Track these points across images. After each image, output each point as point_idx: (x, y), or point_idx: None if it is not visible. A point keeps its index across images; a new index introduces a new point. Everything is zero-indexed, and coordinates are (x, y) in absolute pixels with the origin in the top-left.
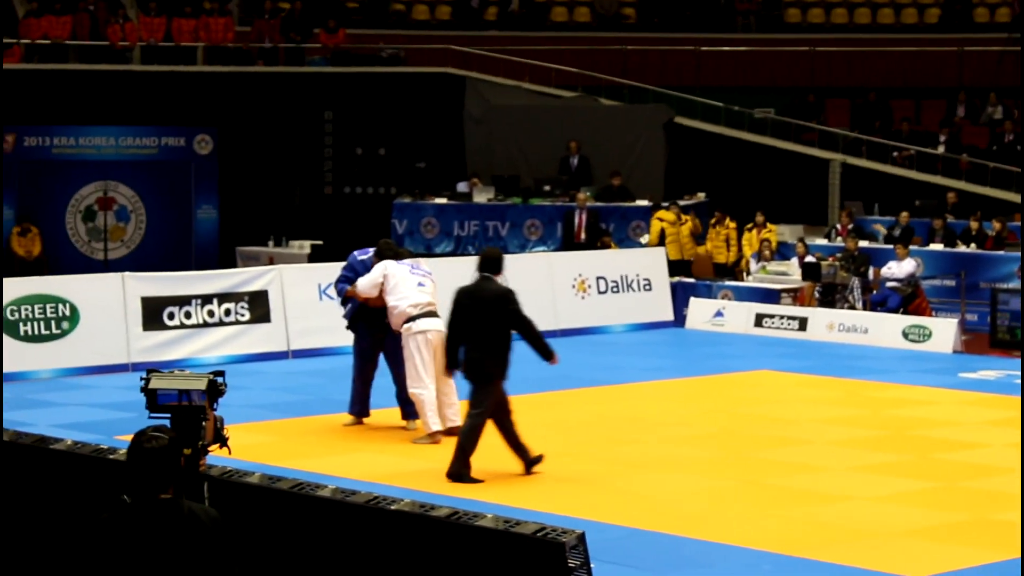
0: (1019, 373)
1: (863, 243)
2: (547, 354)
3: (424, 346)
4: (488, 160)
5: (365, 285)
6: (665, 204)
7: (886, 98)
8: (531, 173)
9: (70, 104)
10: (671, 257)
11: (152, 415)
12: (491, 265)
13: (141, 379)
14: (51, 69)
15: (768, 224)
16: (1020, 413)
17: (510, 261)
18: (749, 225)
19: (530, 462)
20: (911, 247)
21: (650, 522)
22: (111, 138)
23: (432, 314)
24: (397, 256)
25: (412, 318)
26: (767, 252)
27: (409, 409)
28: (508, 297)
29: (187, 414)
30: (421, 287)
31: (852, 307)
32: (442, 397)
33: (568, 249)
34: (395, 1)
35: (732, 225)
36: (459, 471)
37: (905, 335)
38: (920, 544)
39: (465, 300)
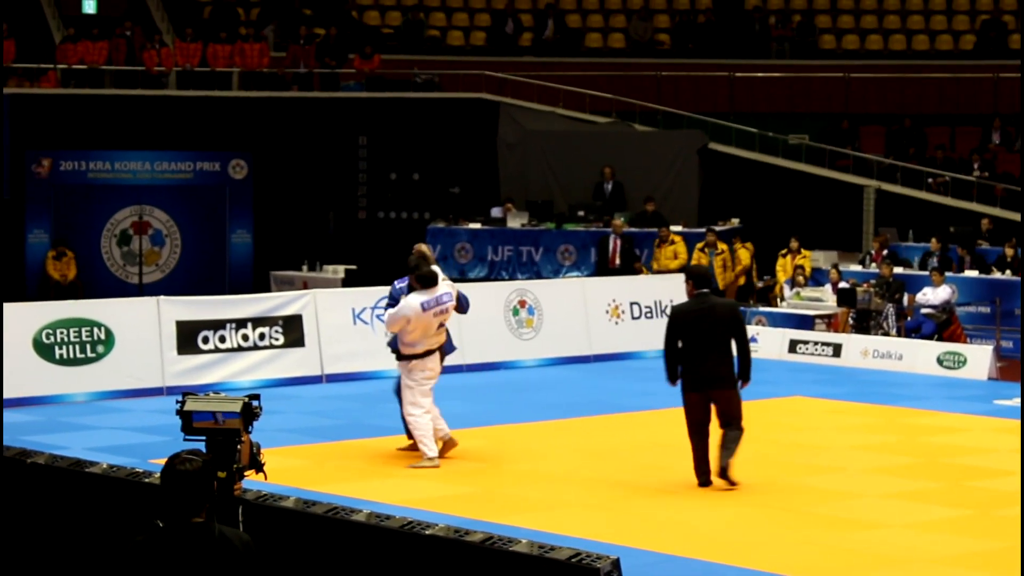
0: None
1: (897, 269)
2: (748, 374)
3: (428, 379)
4: (522, 185)
5: (390, 321)
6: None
7: (921, 125)
8: (565, 199)
9: (106, 129)
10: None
11: (187, 437)
12: (707, 281)
13: (177, 402)
14: (87, 94)
15: (803, 250)
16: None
17: (543, 287)
18: (783, 251)
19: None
20: (946, 274)
21: (684, 548)
22: (146, 163)
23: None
24: (428, 279)
25: (420, 356)
26: (801, 278)
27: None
28: (738, 310)
29: (222, 437)
30: (440, 329)
31: (886, 333)
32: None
33: (602, 275)
34: (430, 27)
35: (724, 247)
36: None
37: (940, 362)
38: (954, 572)
39: (696, 316)
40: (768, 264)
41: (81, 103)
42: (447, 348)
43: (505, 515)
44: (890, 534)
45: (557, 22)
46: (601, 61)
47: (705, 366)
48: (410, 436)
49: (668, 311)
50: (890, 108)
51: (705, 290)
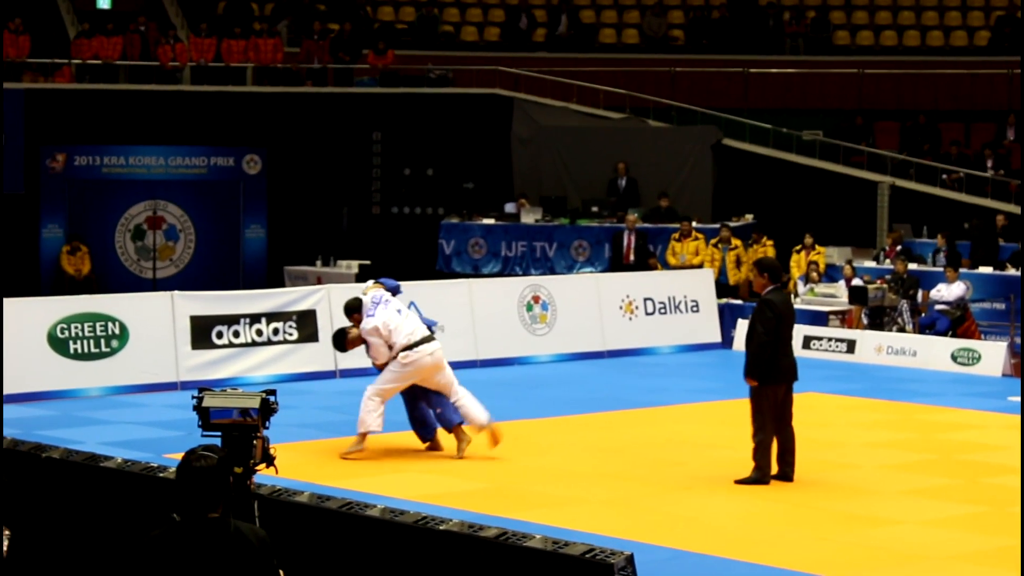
0: None
1: (911, 266)
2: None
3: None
4: (536, 181)
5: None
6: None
7: (935, 121)
8: (579, 194)
9: (120, 124)
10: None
11: (205, 433)
12: (781, 275)
13: (193, 397)
14: (102, 89)
15: (817, 246)
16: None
17: (556, 282)
18: (797, 247)
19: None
20: (960, 270)
21: (698, 544)
22: (160, 158)
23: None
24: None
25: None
26: (815, 274)
27: (424, 432)
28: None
29: (238, 432)
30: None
31: (901, 329)
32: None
33: (616, 270)
34: (444, 22)
35: (738, 242)
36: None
37: (954, 358)
38: (969, 569)
39: (785, 309)
40: (782, 260)
41: (95, 98)
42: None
43: (519, 511)
44: (905, 530)
45: (571, 18)
46: (615, 57)
47: (790, 358)
48: (424, 438)
49: (763, 303)
50: (904, 104)
51: (780, 284)
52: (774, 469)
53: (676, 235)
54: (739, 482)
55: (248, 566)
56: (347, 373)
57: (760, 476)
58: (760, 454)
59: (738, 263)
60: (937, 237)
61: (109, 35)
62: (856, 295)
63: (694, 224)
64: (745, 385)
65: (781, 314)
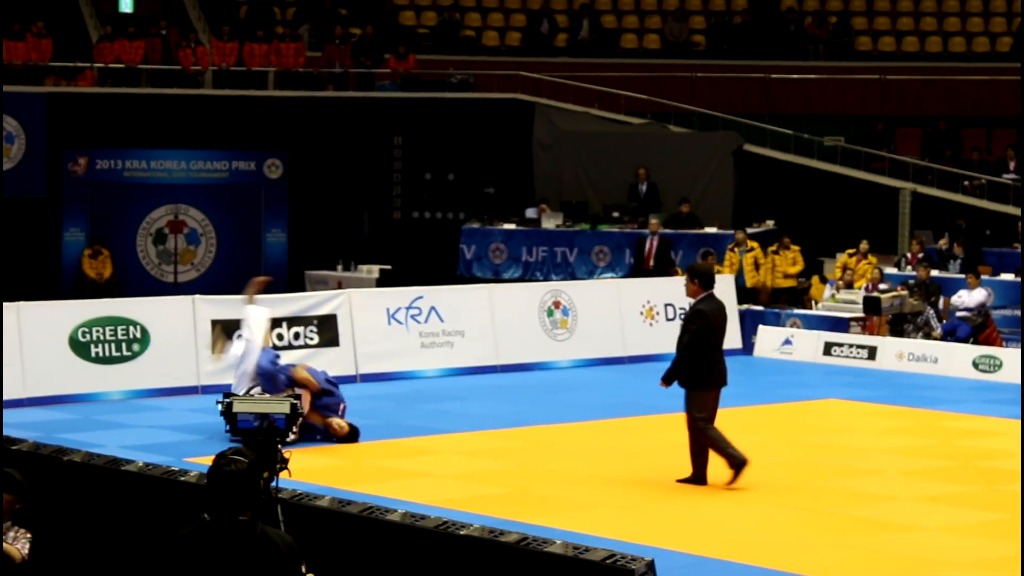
0: None
1: (933, 272)
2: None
3: None
4: (557, 186)
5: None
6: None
7: (957, 127)
8: (600, 199)
9: (142, 128)
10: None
11: (234, 438)
12: (713, 281)
13: (218, 403)
14: (123, 93)
15: (870, 255)
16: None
17: (577, 288)
18: (851, 251)
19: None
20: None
21: (718, 550)
22: (182, 162)
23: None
24: None
25: None
26: (848, 278)
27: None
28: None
29: (263, 437)
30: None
31: (928, 336)
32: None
33: (637, 275)
34: (466, 27)
35: (755, 245)
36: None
37: (975, 365)
38: None
39: (715, 317)
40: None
41: (117, 102)
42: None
43: (539, 516)
44: (924, 537)
45: (592, 23)
46: (636, 62)
47: (721, 364)
48: None
49: (693, 312)
50: (926, 110)
51: (712, 291)
52: (688, 471)
53: (731, 245)
54: (680, 481)
55: (274, 570)
56: (367, 378)
57: (697, 476)
58: (713, 449)
59: (756, 266)
60: (953, 245)
61: (131, 39)
62: (870, 305)
63: (712, 231)
64: (767, 392)
65: (711, 322)
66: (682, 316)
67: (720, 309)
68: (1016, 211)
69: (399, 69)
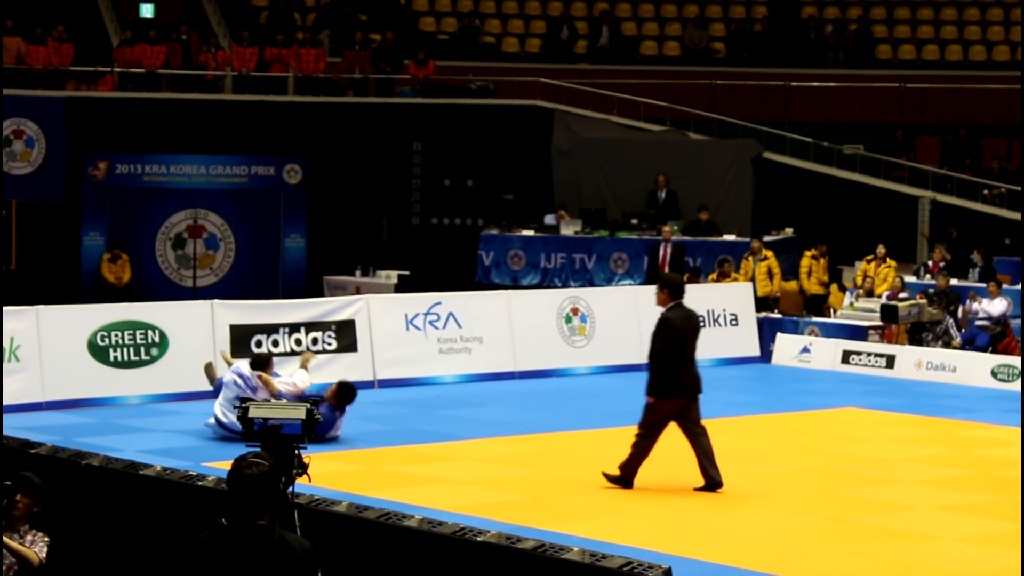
0: None
1: (952, 281)
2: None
3: None
4: (575, 193)
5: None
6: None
7: (976, 135)
8: (618, 206)
9: (162, 132)
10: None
11: (250, 444)
12: (682, 291)
13: (235, 407)
14: (144, 97)
15: (888, 259)
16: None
17: (595, 294)
18: (869, 257)
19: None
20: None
21: (735, 558)
22: (202, 166)
23: None
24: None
25: None
26: (860, 290)
27: None
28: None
29: (280, 442)
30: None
31: (948, 345)
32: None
33: (652, 282)
34: (485, 34)
35: (769, 254)
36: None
37: (994, 374)
38: None
39: (684, 325)
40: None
41: (137, 106)
42: None
43: (557, 522)
44: (943, 547)
45: (612, 30)
46: (656, 69)
47: (691, 372)
48: None
49: (661, 321)
50: (946, 118)
51: (681, 300)
52: (700, 481)
53: (747, 254)
54: (607, 476)
55: (292, 575)
56: (385, 383)
57: (624, 478)
58: (633, 457)
59: (770, 275)
60: (974, 253)
61: (152, 43)
62: (887, 313)
63: (731, 238)
64: (785, 400)
65: (680, 331)
66: (700, 324)
67: (689, 317)
68: None
69: (419, 75)
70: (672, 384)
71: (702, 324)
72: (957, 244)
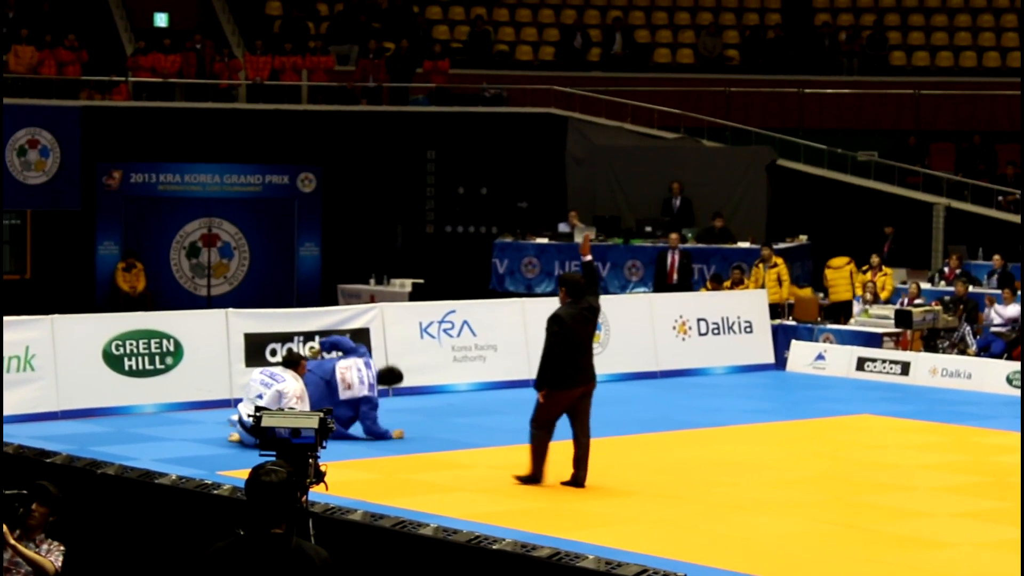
0: None
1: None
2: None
3: None
4: (590, 201)
5: None
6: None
7: (991, 142)
8: (633, 214)
9: (176, 141)
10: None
11: (263, 453)
12: (581, 290)
13: (249, 416)
14: (158, 107)
15: (884, 267)
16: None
17: (610, 302)
18: (864, 267)
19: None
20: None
21: (750, 565)
22: (216, 175)
23: None
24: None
25: None
26: (869, 295)
27: None
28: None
29: (296, 451)
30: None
31: (963, 352)
32: None
33: (660, 290)
34: (499, 41)
35: (780, 261)
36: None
37: (1009, 381)
38: None
39: (573, 321)
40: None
41: (152, 116)
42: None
43: (572, 530)
44: (959, 553)
45: (626, 37)
46: (670, 76)
47: (576, 365)
48: None
49: (551, 317)
50: (960, 125)
51: (580, 298)
52: (567, 475)
53: (756, 261)
54: (517, 478)
55: None
56: (400, 392)
57: (533, 475)
58: (534, 453)
59: (779, 282)
60: (994, 258)
61: (166, 52)
62: (901, 319)
63: (744, 245)
64: (800, 407)
65: (569, 327)
66: (715, 331)
67: (580, 314)
68: None
69: (435, 70)
70: (562, 376)
71: (716, 331)
72: (894, 241)
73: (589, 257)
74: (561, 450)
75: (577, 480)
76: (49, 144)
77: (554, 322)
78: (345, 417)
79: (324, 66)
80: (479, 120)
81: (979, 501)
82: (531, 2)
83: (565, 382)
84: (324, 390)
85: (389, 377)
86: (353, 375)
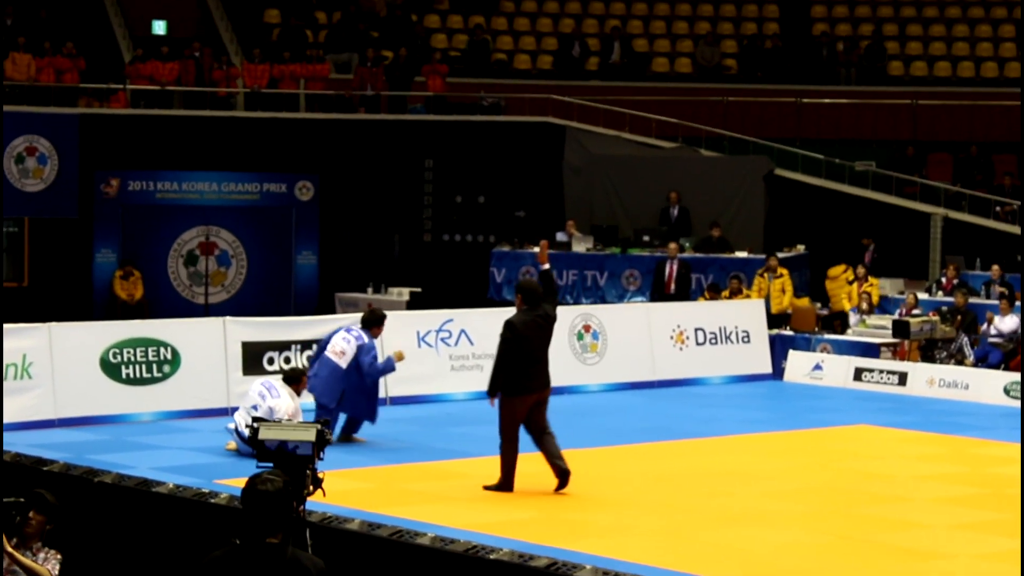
0: None
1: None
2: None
3: None
4: (587, 210)
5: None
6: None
7: (988, 152)
8: (630, 223)
9: (174, 149)
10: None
11: (260, 464)
12: (536, 297)
13: (246, 426)
14: (156, 114)
15: (870, 278)
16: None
17: (607, 311)
18: (850, 278)
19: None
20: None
21: None
22: (214, 183)
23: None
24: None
25: None
26: (866, 305)
27: None
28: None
29: (293, 462)
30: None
31: (960, 362)
32: None
33: (659, 299)
34: (497, 50)
35: (784, 271)
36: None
37: (1007, 391)
38: None
39: (526, 328)
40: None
41: (150, 123)
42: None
43: (569, 540)
44: (956, 564)
45: (624, 46)
46: (668, 86)
47: (528, 372)
48: None
49: (504, 324)
50: (958, 135)
51: (534, 306)
52: (552, 479)
53: (761, 271)
54: (487, 488)
55: None
56: (397, 400)
57: (503, 484)
58: (506, 461)
59: (783, 291)
60: (992, 268)
61: (164, 60)
62: (899, 329)
63: (743, 255)
64: (797, 417)
65: (521, 333)
66: (712, 340)
67: (533, 321)
68: None
69: (433, 71)
70: (515, 383)
71: (713, 341)
72: (877, 251)
73: (547, 266)
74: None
75: (561, 472)
76: (47, 152)
77: (506, 328)
78: (361, 382)
79: (321, 74)
80: (477, 129)
81: (977, 512)
82: (529, 11)
83: (518, 389)
84: (338, 375)
85: (372, 319)
86: (339, 343)
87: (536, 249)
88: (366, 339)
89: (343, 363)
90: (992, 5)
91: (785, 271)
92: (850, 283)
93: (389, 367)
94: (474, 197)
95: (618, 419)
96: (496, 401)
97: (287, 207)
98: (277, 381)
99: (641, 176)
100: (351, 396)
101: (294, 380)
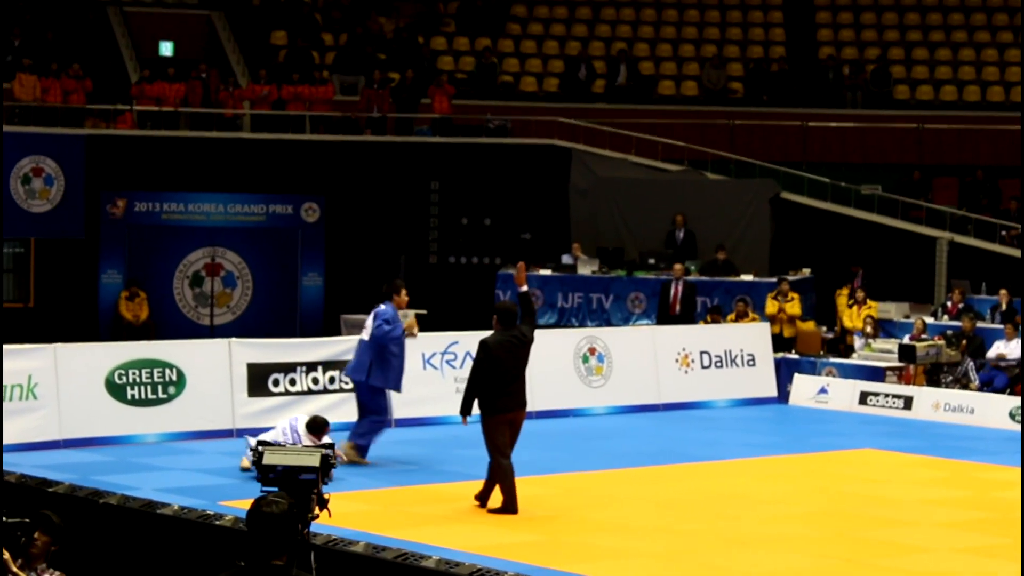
0: None
1: (956, 323)
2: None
3: None
4: (593, 232)
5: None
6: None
7: (994, 176)
8: (636, 246)
9: (180, 170)
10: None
11: (264, 488)
12: (513, 318)
13: (250, 449)
14: (162, 136)
15: (869, 301)
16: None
17: (612, 334)
18: (850, 302)
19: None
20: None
21: None
22: (220, 205)
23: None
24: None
25: None
26: (870, 328)
27: None
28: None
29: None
30: None
31: (965, 388)
32: None
33: (663, 322)
34: (503, 72)
35: (795, 296)
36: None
37: (1012, 416)
38: None
39: (500, 349)
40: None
41: (156, 145)
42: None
43: (573, 563)
44: None
45: (630, 69)
46: (674, 109)
47: (506, 391)
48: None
49: (479, 345)
50: (964, 159)
51: (510, 326)
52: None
53: (774, 294)
54: (491, 511)
55: None
56: (402, 423)
57: (506, 505)
58: (503, 483)
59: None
60: (1000, 293)
61: (171, 81)
62: (905, 352)
63: (748, 278)
64: (802, 441)
65: (495, 354)
66: (717, 364)
67: (508, 341)
68: None
69: (440, 96)
70: (495, 401)
71: (719, 364)
72: (866, 278)
73: (525, 288)
74: (540, 484)
75: (483, 496)
76: (53, 172)
77: (480, 349)
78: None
79: (327, 96)
80: (483, 151)
81: (981, 537)
82: (536, 33)
83: (493, 408)
84: (363, 347)
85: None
86: (368, 320)
87: (512, 271)
88: (383, 307)
89: (366, 335)
90: (998, 29)
91: (796, 296)
92: (849, 307)
93: (395, 334)
94: (480, 219)
95: (623, 442)
96: (470, 420)
97: (293, 229)
98: (301, 427)
99: (647, 199)
100: (377, 367)
101: (317, 430)
